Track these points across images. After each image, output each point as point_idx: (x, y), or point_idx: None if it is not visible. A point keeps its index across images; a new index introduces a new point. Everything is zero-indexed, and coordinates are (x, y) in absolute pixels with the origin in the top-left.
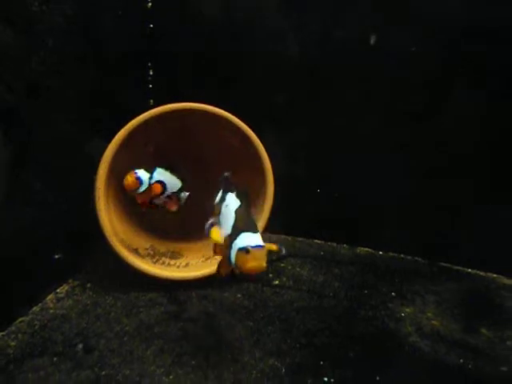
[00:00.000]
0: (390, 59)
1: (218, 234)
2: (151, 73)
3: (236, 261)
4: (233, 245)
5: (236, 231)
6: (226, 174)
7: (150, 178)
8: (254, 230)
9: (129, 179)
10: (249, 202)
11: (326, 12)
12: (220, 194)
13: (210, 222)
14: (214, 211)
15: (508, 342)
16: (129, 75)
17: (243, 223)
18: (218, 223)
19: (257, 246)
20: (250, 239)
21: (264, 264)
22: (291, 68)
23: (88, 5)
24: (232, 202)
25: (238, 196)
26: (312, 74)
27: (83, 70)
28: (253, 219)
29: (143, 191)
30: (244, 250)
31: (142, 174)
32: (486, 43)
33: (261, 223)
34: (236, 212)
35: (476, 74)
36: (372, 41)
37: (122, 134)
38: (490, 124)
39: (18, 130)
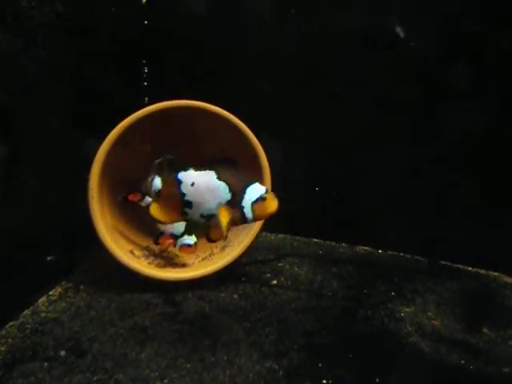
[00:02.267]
0: (390, 57)
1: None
2: (146, 70)
3: (255, 213)
4: (243, 204)
5: (239, 191)
6: (169, 155)
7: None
8: (252, 181)
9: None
10: (233, 163)
11: (322, 8)
12: (158, 180)
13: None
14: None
15: (510, 342)
16: (123, 73)
17: (241, 182)
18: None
19: (266, 191)
20: (256, 189)
21: (277, 202)
22: (290, 66)
23: (80, 1)
24: (199, 178)
25: (204, 169)
26: (311, 72)
27: (75, 67)
28: (241, 174)
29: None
30: (260, 200)
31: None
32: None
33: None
34: (224, 180)
35: (477, 73)
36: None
37: (114, 132)
38: (491, 123)
39: (11, 128)
